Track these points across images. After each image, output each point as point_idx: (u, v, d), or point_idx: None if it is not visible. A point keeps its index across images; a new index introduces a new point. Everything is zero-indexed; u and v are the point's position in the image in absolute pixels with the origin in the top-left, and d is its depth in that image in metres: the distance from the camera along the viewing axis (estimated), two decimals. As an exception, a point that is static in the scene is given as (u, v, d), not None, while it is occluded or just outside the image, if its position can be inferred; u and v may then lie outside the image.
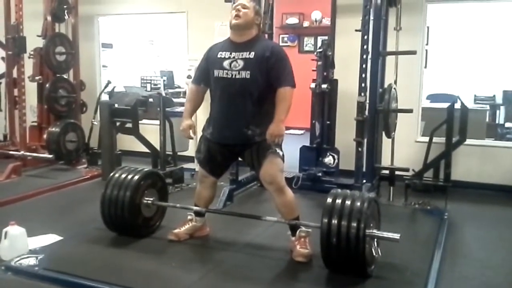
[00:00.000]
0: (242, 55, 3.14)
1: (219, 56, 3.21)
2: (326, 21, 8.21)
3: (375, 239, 2.97)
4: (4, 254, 3.18)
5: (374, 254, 2.97)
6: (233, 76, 3.15)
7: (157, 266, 3.12)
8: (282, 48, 3.35)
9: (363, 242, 2.80)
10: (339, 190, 3.06)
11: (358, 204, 2.88)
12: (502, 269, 3.30)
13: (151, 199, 3.56)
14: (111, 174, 3.61)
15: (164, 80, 8.29)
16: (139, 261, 3.19)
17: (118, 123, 5.10)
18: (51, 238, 3.52)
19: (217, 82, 3.23)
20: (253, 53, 3.13)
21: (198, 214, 3.54)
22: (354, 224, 2.81)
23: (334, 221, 2.85)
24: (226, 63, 3.17)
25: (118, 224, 3.49)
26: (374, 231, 2.93)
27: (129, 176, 3.51)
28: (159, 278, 2.96)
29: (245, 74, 3.12)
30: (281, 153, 3.23)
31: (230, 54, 3.17)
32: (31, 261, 3.11)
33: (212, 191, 3.49)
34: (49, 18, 5.87)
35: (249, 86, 3.13)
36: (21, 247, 3.23)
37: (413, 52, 4.53)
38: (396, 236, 2.90)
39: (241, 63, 3.13)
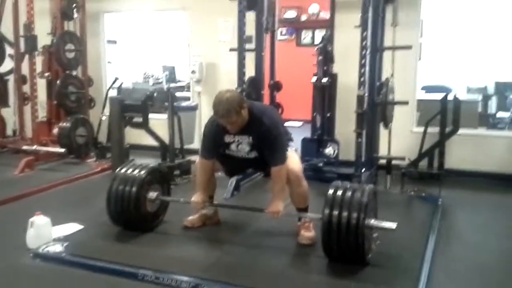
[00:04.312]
0: (244, 139, 3.42)
1: (226, 140, 3.46)
2: (324, 15, 8.41)
3: (373, 228, 3.12)
4: (30, 242, 3.39)
5: (372, 245, 3.16)
6: (244, 156, 3.52)
7: (176, 250, 3.39)
8: (275, 120, 3.44)
9: (362, 232, 2.93)
10: (340, 182, 3.21)
11: (358, 195, 3.02)
12: (494, 251, 3.52)
13: (156, 194, 3.68)
14: (117, 170, 3.76)
15: (166, 75, 8.51)
16: (159, 246, 3.45)
17: (127, 118, 5.30)
18: (73, 227, 3.74)
19: (229, 156, 3.56)
20: (251, 137, 3.40)
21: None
22: (354, 215, 2.95)
23: (335, 212, 2.99)
24: (233, 146, 3.48)
25: (124, 219, 3.60)
26: (373, 220, 3.08)
27: (135, 172, 3.63)
28: (179, 261, 3.20)
29: (255, 154, 3.48)
30: (293, 149, 3.62)
31: (234, 137, 3.43)
32: (58, 248, 3.33)
33: (212, 178, 3.73)
34: (58, 16, 6.06)
35: (261, 160, 3.46)
36: (46, 236, 3.44)
37: (409, 47, 4.76)
38: (393, 225, 3.05)
39: (246, 147, 3.44)
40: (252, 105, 3.45)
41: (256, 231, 3.71)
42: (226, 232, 3.74)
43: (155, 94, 5.86)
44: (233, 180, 4.59)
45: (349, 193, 3.06)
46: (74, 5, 6.12)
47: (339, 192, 3.08)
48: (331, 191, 3.10)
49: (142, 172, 3.63)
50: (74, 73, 6.27)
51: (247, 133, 3.40)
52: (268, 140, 3.34)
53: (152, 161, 5.23)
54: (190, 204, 3.60)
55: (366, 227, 2.99)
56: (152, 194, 3.66)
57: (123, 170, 3.69)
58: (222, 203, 4.01)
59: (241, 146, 3.46)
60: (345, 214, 2.97)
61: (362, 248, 2.98)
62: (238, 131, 3.38)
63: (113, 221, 3.65)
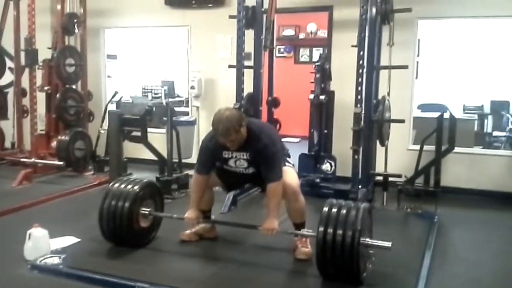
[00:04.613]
0: (242, 155, 3.47)
1: (224, 156, 3.51)
2: (321, 33, 8.53)
3: (368, 247, 3.10)
4: (28, 254, 3.41)
5: (367, 263, 3.14)
6: (242, 172, 3.57)
7: (172, 264, 3.43)
8: (272, 137, 3.50)
9: (357, 251, 2.92)
10: (334, 200, 3.19)
11: (353, 214, 3.01)
12: (488, 268, 3.57)
13: (148, 209, 3.65)
14: (109, 185, 3.72)
15: (165, 90, 8.56)
16: (156, 259, 3.48)
17: (126, 132, 5.34)
18: (70, 240, 3.76)
19: (227, 171, 3.62)
20: (249, 153, 3.45)
21: (204, 216, 3.80)
22: (349, 234, 2.93)
23: (330, 230, 2.97)
24: (231, 162, 3.53)
25: (117, 235, 3.55)
26: (367, 239, 3.08)
27: (128, 187, 3.59)
28: (174, 274, 3.24)
29: (252, 170, 3.53)
30: (291, 164, 3.66)
31: (232, 153, 3.48)
32: (55, 260, 3.36)
33: (209, 192, 3.78)
34: (59, 31, 6.13)
35: (259, 175, 3.50)
36: (44, 248, 3.46)
37: (405, 67, 4.83)
38: (388, 244, 3.05)
39: (244, 163, 3.50)
40: (250, 122, 3.50)
41: (253, 246, 3.73)
42: (222, 247, 3.76)
43: (154, 109, 5.91)
44: (230, 195, 4.62)
45: (343, 212, 3.04)
46: (75, 20, 6.20)
47: (334, 211, 3.06)
48: (325, 209, 3.09)
49: (136, 187, 3.60)
50: (73, 87, 6.32)
51: (245, 150, 3.45)
52: (264, 157, 3.38)
53: (149, 175, 5.32)
54: (184, 220, 3.60)
55: (361, 246, 2.97)
56: (145, 210, 3.63)
57: (116, 185, 3.65)
58: (217, 219, 4.01)
59: (239, 162, 3.51)
60: (339, 232, 2.95)
61: (357, 267, 2.96)
62: (237, 148, 3.42)
63: (106, 237, 3.61)
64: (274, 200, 3.39)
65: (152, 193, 3.75)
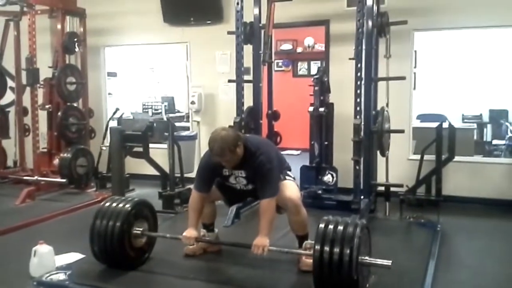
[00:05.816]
0: (240, 173, 3.51)
1: (224, 173, 3.55)
2: (318, 47, 8.62)
3: (368, 266, 3.01)
4: (34, 271, 3.42)
5: (367, 283, 3.07)
6: (242, 188, 3.62)
7: (176, 279, 3.42)
8: (269, 154, 3.46)
9: (356, 271, 2.83)
10: (331, 217, 3.09)
11: (350, 231, 2.90)
12: (491, 275, 3.58)
13: (141, 229, 3.55)
14: (101, 204, 3.63)
15: (165, 106, 8.62)
16: (161, 274, 3.49)
17: (127, 148, 5.37)
18: (75, 256, 3.77)
19: (228, 187, 3.67)
20: (246, 171, 3.48)
21: (208, 229, 3.84)
22: (347, 253, 2.83)
23: (326, 249, 2.87)
24: (232, 179, 3.57)
25: (108, 256, 3.45)
26: (366, 257, 2.97)
27: (119, 206, 3.50)
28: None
29: (251, 186, 3.56)
30: (291, 177, 3.66)
31: (231, 170, 3.51)
32: (61, 276, 3.37)
33: (212, 205, 3.81)
34: (60, 50, 6.20)
35: (256, 192, 3.53)
36: (49, 264, 3.47)
37: (403, 78, 4.89)
38: (388, 262, 2.95)
39: (243, 180, 3.54)
40: (247, 140, 3.48)
41: (255, 259, 3.65)
42: (225, 261, 3.74)
43: (155, 124, 5.96)
44: (233, 208, 4.63)
45: (340, 229, 2.93)
46: (76, 39, 6.28)
47: (330, 228, 2.96)
48: (321, 226, 2.99)
49: (127, 206, 3.50)
50: (75, 105, 6.38)
51: (242, 168, 3.46)
52: (260, 174, 3.39)
53: (152, 190, 5.35)
54: (181, 240, 3.51)
55: (360, 266, 2.89)
56: (138, 230, 3.53)
57: (107, 205, 3.55)
58: (220, 232, 3.99)
59: (238, 179, 3.54)
60: (336, 251, 2.86)
61: (355, 286, 2.88)
62: (233, 166, 3.44)
63: (97, 259, 3.50)
64: (266, 217, 3.34)
65: (144, 212, 3.64)
